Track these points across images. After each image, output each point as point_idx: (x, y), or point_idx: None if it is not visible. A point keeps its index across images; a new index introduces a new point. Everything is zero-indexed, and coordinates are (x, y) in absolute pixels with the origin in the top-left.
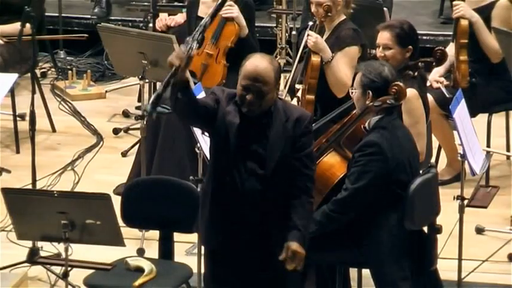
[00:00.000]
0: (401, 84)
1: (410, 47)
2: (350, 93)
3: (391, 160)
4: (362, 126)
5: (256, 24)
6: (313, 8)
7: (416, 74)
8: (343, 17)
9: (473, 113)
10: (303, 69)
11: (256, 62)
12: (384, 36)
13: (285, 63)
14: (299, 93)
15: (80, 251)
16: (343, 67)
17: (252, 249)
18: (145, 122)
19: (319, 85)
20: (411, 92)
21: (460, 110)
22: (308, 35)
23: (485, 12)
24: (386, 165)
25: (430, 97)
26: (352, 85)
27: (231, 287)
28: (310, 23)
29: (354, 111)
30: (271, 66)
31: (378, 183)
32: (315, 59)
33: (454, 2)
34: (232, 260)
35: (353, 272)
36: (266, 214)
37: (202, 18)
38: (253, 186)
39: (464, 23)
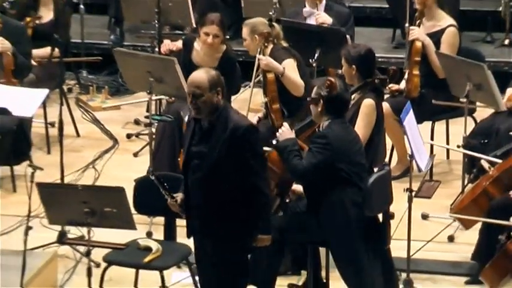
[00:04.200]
0: (333, 79)
1: (353, 66)
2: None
3: (336, 150)
4: (316, 129)
5: (240, 49)
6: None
7: (372, 87)
8: (272, 45)
9: (420, 120)
10: (263, 86)
11: (194, 73)
12: (342, 59)
13: None
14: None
15: (99, 234)
16: (291, 74)
17: (203, 235)
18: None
19: (281, 94)
20: (370, 102)
21: (409, 119)
22: (258, 59)
23: (436, 36)
24: (332, 153)
25: (386, 105)
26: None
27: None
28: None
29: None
30: (205, 75)
31: (324, 166)
32: (270, 75)
33: (410, 27)
34: (196, 243)
35: (322, 251)
36: (209, 205)
37: (194, 65)
38: (197, 182)
39: (418, 44)
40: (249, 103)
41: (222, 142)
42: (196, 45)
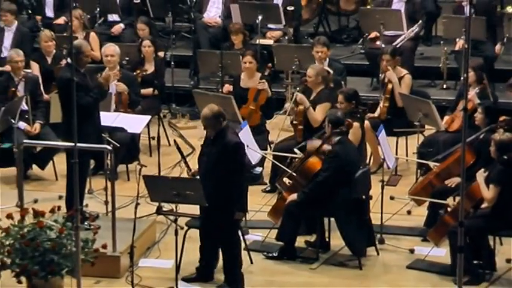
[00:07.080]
0: (351, 121)
1: (353, 101)
2: (324, 126)
3: (344, 160)
4: (329, 143)
5: (274, 90)
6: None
7: (358, 115)
8: (322, 86)
9: (388, 135)
10: (295, 113)
11: (204, 110)
12: (339, 97)
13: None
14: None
15: (183, 208)
16: (317, 113)
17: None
18: None
19: (304, 120)
20: (356, 124)
21: (382, 135)
22: (296, 95)
23: (400, 80)
24: (341, 163)
25: (367, 123)
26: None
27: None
28: (298, 88)
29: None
30: (208, 111)
31: (335, 174)
32: (301, 107)
33: (387, 73)
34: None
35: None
36: (209, 194)
37: (242, 88)
38: (203, 171)
39: (390, 85)
40: (283, 124)
41: (216, 150)
42: (242, 75)
